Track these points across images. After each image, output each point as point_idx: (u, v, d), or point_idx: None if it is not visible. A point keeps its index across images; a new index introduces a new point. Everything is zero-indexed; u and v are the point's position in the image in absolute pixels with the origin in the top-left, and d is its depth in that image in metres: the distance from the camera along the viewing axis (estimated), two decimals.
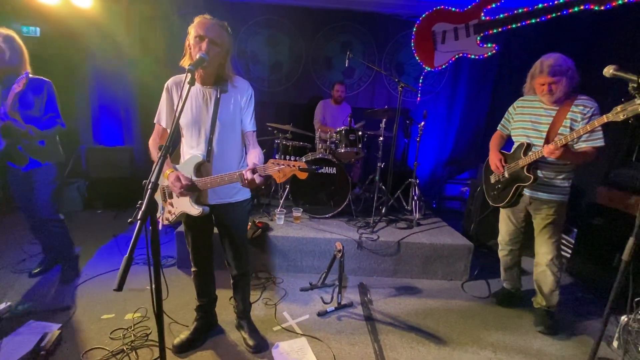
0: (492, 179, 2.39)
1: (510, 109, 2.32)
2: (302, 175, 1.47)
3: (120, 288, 0.85)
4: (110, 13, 4.14)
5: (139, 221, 0.94)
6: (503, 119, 2.39)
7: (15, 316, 2.03)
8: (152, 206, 0.99)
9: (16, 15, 3.91)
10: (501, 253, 2.52)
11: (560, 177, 2.09)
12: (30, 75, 2.18)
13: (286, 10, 4.44)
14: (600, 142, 1.92)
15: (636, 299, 2.00)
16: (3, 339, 1.82)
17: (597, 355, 1.98)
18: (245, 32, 4.50)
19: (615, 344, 2.09)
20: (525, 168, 2.09)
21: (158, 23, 4.40)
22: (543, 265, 2.19)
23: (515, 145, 2.22)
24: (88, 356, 1.79)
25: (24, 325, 1.97)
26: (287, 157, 1.48)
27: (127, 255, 0.88)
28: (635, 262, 1.30)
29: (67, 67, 4.18)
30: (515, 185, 2.17)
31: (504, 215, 2.43)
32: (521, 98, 2.25)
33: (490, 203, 2.45)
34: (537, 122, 2.09)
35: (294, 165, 1.43)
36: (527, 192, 2.20)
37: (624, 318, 2.04)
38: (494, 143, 2.41)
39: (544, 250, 2.19)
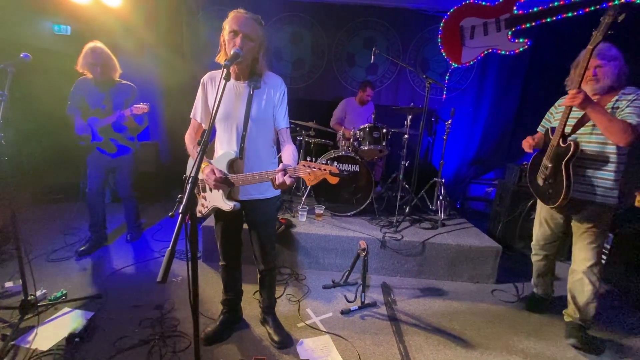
0: (540, 180, 2.13)
1: (552, 108, 2.20)
2: (333, 180, 1.42)
3: (164, 280, 0.85)
4: (137, 10, 4.23)
5: (180, 215, 0.95)
6: (543, 120, 2.26)
7: (50, 303, 2.12)
8: (193, 201, 1.00)
9: (48, 14, 4.05)
10: (534, 258, 2.41)
11: (602, 175, 1.91)
12: (121, 81, 2.82)
13: (309, 7, 4.42)
14: (631, 118, 1.73)
15: None
16: (38, 326, 1.90)
17: None
18: (268, 29, 4.49)
19: None
20: (560, 141, 1.95)
21: (183, 19, 4.48)
22: (580, 272, 2.04)
23: (544, 136, 2.14)
24: (119, 344, 1.84)
25: (59, 313, 2.05)
26: (311, 155, 1.43)
27: (169, 248, 0.89)
28: None
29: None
30: (563, 165, 1.93)
31: (539, 218, 2.30)
32: (563, 96, 2.07)
33: (552, 206, 2.10)
34: (577, 111, 1.93)
35: (325, 169, 1.38)
36: (573, 195, 1.99)
37: None
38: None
39: (582, 257, 2.03)
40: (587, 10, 3.30)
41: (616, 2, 3.22)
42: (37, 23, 4.08)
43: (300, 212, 3.11)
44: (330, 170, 1.38)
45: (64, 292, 2.24)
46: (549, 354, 2.03)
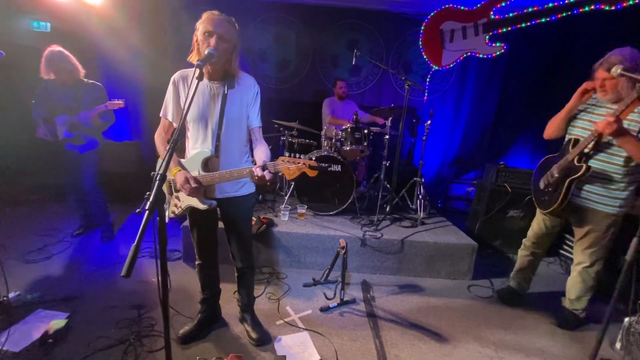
0: (542, 184, 2.21)
1: (578, 109, 2.13)
2: (312, 173, 1.49)
3: (128, 274, 0.87)
4: (119, 9, 4.18)
5: (146, 212, 0.96)
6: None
7: (24, 305, 2.08)
8: (160, 197, 1.01)
9: (27, 11, 3.97)
10: (521, 253, 2.50)
11: (614, 186, 1.93)
12: (87, 81, 2.90)
13: (294, 8, 4.44)
14: None
15: (639, 301, 1.99)
16: (11, 327, 1.87)
17: (601, 356, 1.99)
18: (253, 30, 4.52)
19: (618, 345, 2.08)
20: (575, 159, 1.96)
21: (166, 19, 4.43)
22: (576, 271, 2.20)
23: (564, 143, 2.13)
24: (94, 345, 1.83)
25: (32, 314, 2.02)
26: (294, 154, 1.49)
27: (134, 243, 0.90)
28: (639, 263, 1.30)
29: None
30: (568, 181, 1.98)
31: (539, 216, 2.35)
32: (593, 96, 2.05)
33: (541, 211, 2.27)
34: (594, 121, 1.92)
35: (304, 163, 1.45)
36: (573, 199, 2.07)
37: (627, 320, 2.02)
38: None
39: (579, 259, 2.18)
40: (559, 16, 3.43)
41: (586, 9, 3.36)
42: (15, 19, 3.99)
43: (282, 212, 3.13)
44: (309, 164, 1.43)
45: (39, 293, 2.20)
46: (519, 344, 2.12)
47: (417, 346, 2.04)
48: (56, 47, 2.75)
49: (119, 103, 2.81)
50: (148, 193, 1.02)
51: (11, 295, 2.12)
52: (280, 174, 1.52)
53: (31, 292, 2.21)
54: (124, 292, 2.34)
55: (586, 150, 1.97)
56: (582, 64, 3.30)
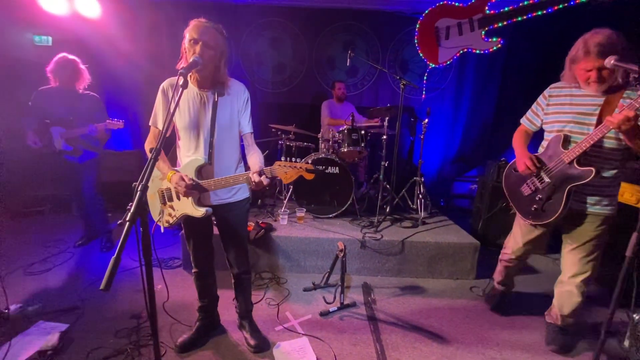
0: (526, 190, 1.93)
1: (540, 99, 1.92)
2: (309, 176, 1.51)
3: (107, 288, 0.86)
4: (118, 21, 4.24)
5: (127, 223, 0.96)
6: (530, 112, 2.00)
7: (25, 316, 2.10)
8: (142, 208, 1.01)
9: (29, 26, 4.05)
10: (505, 257, 2.25)
11: (609, 185, 1.72)
12: (85, 92, 2.93)
13: (288, 12, 4.46)
14: None
15: None
16: (12, 339, 1.88)
17: (609, 354, 1.94)
18: (248, 35, 4.54)
19: (626, 343, 2.02)
20: (575, 162, 1.71)
21: (164, 29, 4.48)
22: (571, 285, 1.89)
23: (547, 141, 1.88)
24: (93, 355, 1.83)
25: (33, 326, 2.03)
26: (291, 158, 1.51)
27: (114, 256, 0.90)
28: None
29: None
30: (568, 188, 1.74)
31: (524, 228, 2.08)
32: (554, 85, 1.87)
33: (532, 223, 1.96)
34: (581, 113, 1.71)
35: (300, 167, 1.47)
36: (571, 205, 1.80)
37: (636, 317, 1.96)
38: (519, 140, 1.99)
39: (574, 271, 1.87)
40: (555, 8, 3.39)
41: (583, 0, 3.31)
42: (20, 34, 4.07)
43: (281, 216, 3.12)
44: (305, 168, 1.44)
45: (40, 305, 2.22)
46: (523, 345, 2.07)
47: (419, 349, 2.00)
48: (67, 55, 2.83)
49: (118, 124, 2.85)
50: (130, 204, 1.02)
51: (12, 307, 2.14)
52: (277, 178, 1.53)
53: (32, 303, 2.23)
54: (124, 301, 2.35)
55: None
56: None
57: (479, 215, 3.64)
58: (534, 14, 3.49)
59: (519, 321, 2.31)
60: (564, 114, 1.79)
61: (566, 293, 1.94)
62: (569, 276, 1.90)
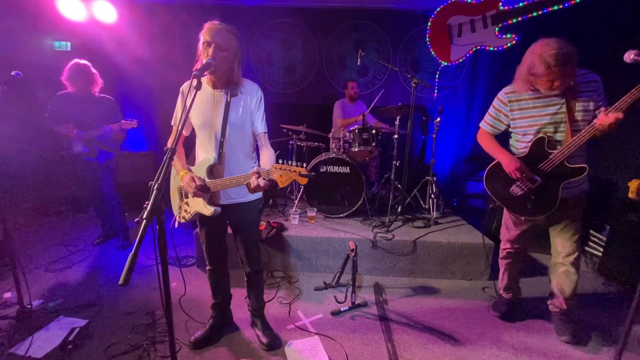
0: (517, 191, 1.99)
1: (499, 104, 1.99)
2: (303, 181, 1.49)
3: (125, 283, 0.89)
4: (133, 25, 4.35)
5: (144, 221, 0.99)
6: (490, 119, 2.07)
7: (46, 312, 2.18)
8: (158, 207, 1.04)
9: (49, 32, 4.20)
10: (504, 253, 2.25)
11: (582, 163, 1.84)
12: (101, 95, 3.05)
13: (298, 13, 4.48)
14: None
15: None
16: (34, 334, 1.96)
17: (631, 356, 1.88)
18: (260, 36, 4.58)
19: None
20: (565, 161, 1.82)
21: (177, 33, 4.57)
22: (566, 265, 2.02)
23: (524, 143, 1.95)
24: (111, 350, 1.89)
25: (54, 321, 2.11)
26: (293, 162, 1.46)
27: (132, 252, 0.92)
28: None
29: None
30: (562, 184, 1.87)
31: (513, 219, 2.14)
32: (508, 90, 1.94)
33: (527, 218, 2.04)
34: (553, 114, 1.82)
35: (294, 171, 1.45)
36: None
37: None
38: (494, 145, 2.07)
39: (567, 251, 2.02)
40: (572, 2, 3.29)
41: None
42: (38, 40, 4.23)
43: (292, 216, 3.14)
44: (299, 172, 1.42)
45: (60, 301, 2.30)
46: (539, 348, 2.02)
47: (431, 350, 1.98)
48: (78, 60, 2.91)
49: (132, 123, 2.94)
50: (147, 202, 1.05)
51: (35, 303, 2.22)
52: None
53: (53, 299, 2.31)
54: (141, 298, 2.41)
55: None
56: (598, 52, 3.17)
57: (494, 215, 3.57)
58: (550, 9, 3.39)
59: (536, 324, 2.26)
60: (538, 117, 1.87)
61: (564, 273, 2.05)
62: (564, 255, 2.03)
